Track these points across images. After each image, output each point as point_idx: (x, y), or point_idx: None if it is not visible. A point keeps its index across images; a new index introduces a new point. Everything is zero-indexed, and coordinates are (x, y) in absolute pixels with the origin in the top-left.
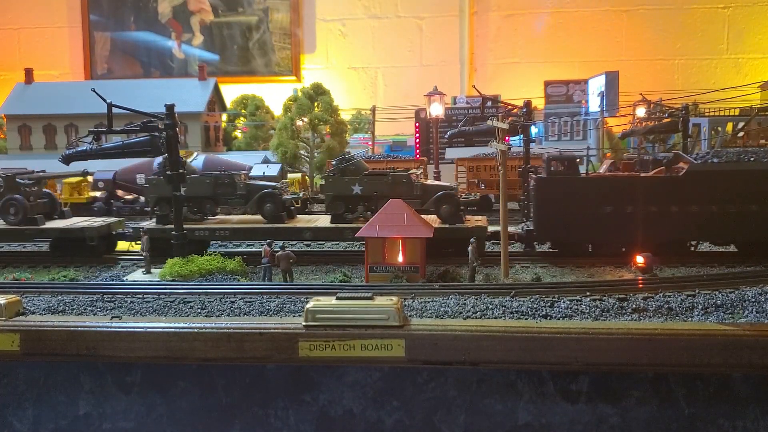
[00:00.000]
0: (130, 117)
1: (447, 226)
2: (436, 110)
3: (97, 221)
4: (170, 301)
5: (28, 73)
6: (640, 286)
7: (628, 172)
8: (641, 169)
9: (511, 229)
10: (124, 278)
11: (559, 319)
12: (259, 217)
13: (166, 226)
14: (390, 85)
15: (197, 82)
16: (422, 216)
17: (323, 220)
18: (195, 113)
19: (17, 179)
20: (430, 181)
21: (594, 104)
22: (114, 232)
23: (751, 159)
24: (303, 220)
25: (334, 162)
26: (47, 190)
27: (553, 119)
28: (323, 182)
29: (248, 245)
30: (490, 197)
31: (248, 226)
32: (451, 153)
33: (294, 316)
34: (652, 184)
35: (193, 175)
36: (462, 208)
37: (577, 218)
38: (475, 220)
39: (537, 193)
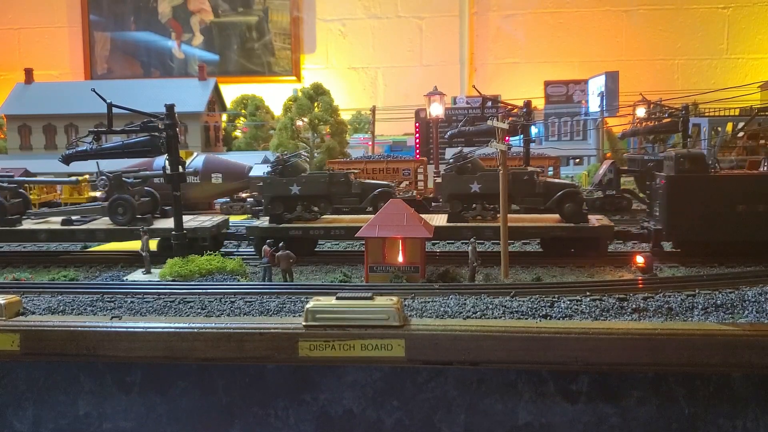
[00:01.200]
0: (130, 117)
1: (571, 225)
2: (436, 110)
3: (206, 221)
4: (170, 301)
5: (28, 73)
6: (640, 286)
7: (758, 171)
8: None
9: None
10: (124, 278)
11: (559, 319)
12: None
13: (280, 226)
14: (390, 85)
15: (197, 82)
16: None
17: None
18: (195, 113)
19: (123, 178)
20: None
21: (594, 104)
22: (222, 231)
23: None
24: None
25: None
26: (149, 189)
27: (553, 119)
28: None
29: (248, 245)
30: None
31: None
32: (451, 153)
33: (294, 316)
34: None
35: (307, 174)
36: (586, 206)
37: (708, 217)
38: (596, 220)
39: (667, 192)
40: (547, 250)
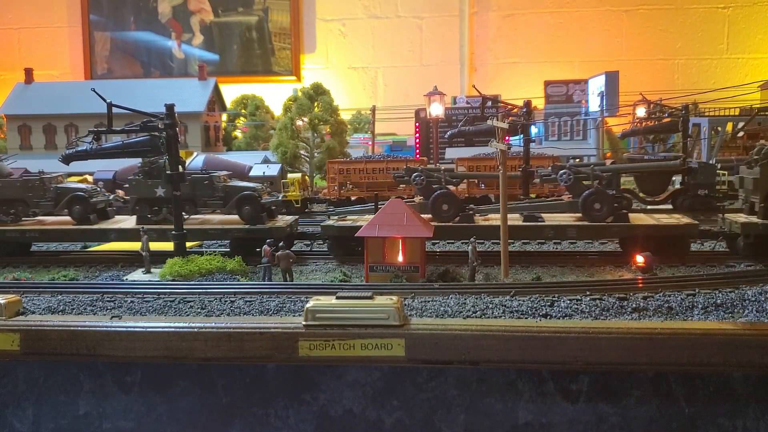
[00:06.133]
0: (130, 117)
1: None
2: (436, 110)
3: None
4: (170, 301)
5: (28, 73)
6: (640, 285)
7: None
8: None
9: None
10: (124, 278)
11: (559, 318)
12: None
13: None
14: (390, 85)
15: (197, 82)
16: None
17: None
18: (195, 113)
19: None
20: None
21: (594, 104)
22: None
23: None
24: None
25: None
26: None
27: (553, 119)
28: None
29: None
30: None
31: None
32: (451, 153)
33: (294, 316)
34: None
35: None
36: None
37: None
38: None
39: None
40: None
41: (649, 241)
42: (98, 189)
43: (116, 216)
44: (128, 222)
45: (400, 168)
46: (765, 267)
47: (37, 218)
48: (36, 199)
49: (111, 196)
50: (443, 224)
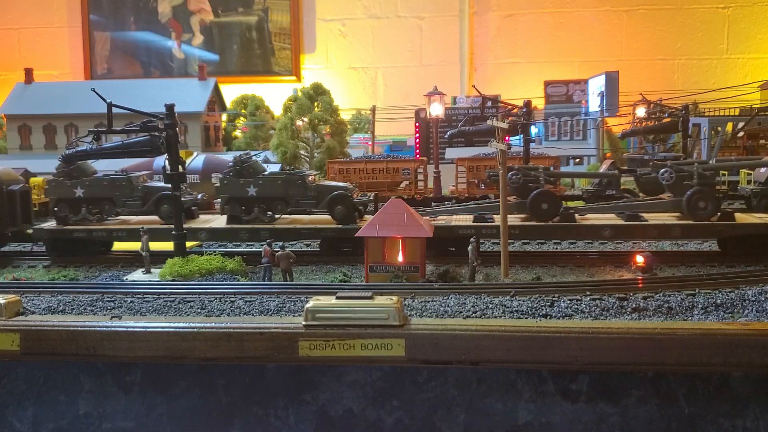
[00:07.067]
0: (130, 117)
1: (759, 222)
2: (436, 110)
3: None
4: (170, 301)
5: (28, 73)
6: (640, 285)
7: None
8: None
9: None
10: (124, 278)
11: (559, 318)
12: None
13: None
14: (390, 85)
15: (197, 82)
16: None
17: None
18: (195, 113)
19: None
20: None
21: (594, 104)
22: None
23: None
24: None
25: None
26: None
27: (553, 119)
28: (218, 184)
29: (248, 245)
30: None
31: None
32: (451, 153)
33: (294, 316)
34: None
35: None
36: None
37: None
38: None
39: None
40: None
41: (753, 240)
42: (185, 188)
43: (200, 216)
44: (218, 221)
45: (492, 167)
46: (765, 267)
47: (119, 218)
48: (123, 199)
49: (199, 196)
50: (543, 224)
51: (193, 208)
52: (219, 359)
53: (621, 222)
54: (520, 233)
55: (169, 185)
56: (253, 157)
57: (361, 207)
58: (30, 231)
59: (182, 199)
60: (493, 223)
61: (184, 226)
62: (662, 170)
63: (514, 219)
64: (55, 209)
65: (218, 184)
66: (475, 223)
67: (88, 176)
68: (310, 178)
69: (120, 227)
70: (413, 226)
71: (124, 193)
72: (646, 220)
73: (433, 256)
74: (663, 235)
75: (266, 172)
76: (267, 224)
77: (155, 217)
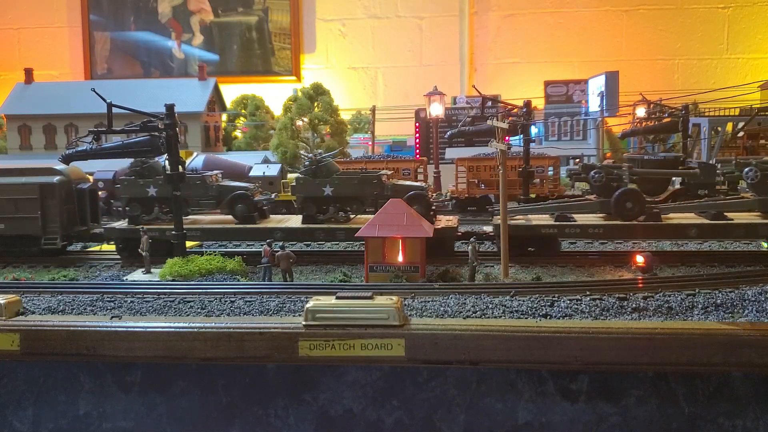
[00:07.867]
0: (130, 117)
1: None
2: (436, 110)
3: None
4: (170, 301)
5: (28, 73)
6: (640, 285)
7: None
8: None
9: None
10: (124, 278)
11: (559, 318)
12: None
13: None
14: (390, 85)
15: (197, 82)
16: None
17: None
18: (195, 113)
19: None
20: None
21: (594, 104)
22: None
23: None
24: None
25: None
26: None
27: (553, 119)
28: (294, 184)
29: (248, 245)
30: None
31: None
32: (451, 153)
33: (294, 316)
34: None
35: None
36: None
37: None
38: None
39: None
40: None
41: None
42: (257, 187)
43: (270, 216)
44: (292, 221)
45: (578, 164)
46: (765, 267)
47: (190, 218)
48: (197, 198)
49: (273, 195)
50: (628, 223)
51: (265, 207)
52: (219, 359)
53: (706, 221)
54: (604, 233)
55: (244, 185)
56: (327, 157)
57: (264, 207)
58: (99, 230)
59: (255, 198)
60: (576, 223)
61: (258, 225)
62: (746, 169)
63: (594, 218)
64: (127, 208)
65: (294, 184)
66: (557, 222)
67: (161, 175)
68: (385, 178)
69: (193, 227)
70: (413, 226)
71: (198, 193)
72: (732, 219)
73: (512, 256)
74: (750, 234)
75: (339, 171)
76: (342, 224)
77: (228, 217)
